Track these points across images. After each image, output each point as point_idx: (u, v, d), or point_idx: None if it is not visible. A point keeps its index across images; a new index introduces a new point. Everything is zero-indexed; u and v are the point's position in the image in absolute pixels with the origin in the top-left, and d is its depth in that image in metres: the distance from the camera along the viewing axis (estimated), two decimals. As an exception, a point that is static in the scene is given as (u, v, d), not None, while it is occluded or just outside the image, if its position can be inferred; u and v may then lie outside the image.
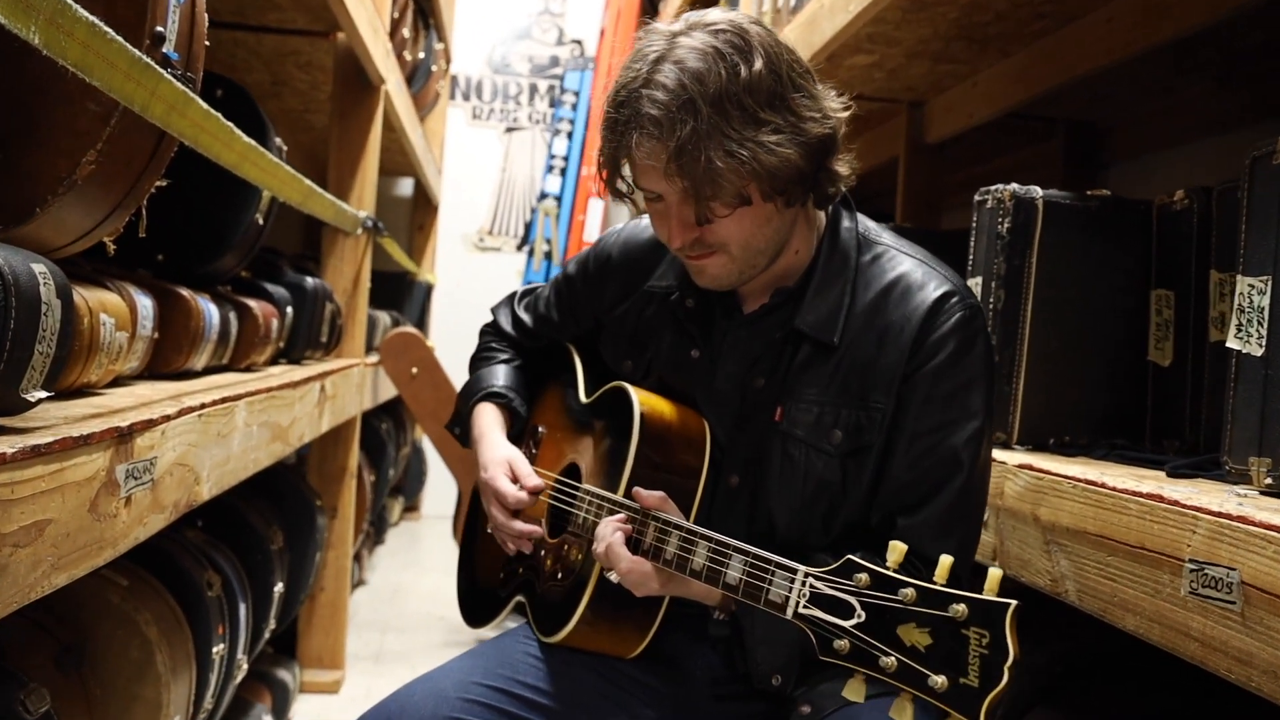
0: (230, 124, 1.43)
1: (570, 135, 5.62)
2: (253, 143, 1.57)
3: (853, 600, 0.90)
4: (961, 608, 0.83)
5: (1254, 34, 2.03)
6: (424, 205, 5.65)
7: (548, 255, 5.53)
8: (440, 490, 5.53)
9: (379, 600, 3.95)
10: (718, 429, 1.35)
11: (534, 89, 5.99)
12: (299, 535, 2.59)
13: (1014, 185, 1.55)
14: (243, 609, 2.02)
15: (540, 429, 1.60)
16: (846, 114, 1.23)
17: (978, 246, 1.60)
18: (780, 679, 1.21)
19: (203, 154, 1.39)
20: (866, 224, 1.35)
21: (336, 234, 2.98)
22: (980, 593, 0.83)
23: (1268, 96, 2.25)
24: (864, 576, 0.90)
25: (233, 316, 1.97)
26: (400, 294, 5.03)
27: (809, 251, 1.33)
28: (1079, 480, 1.28)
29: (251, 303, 2.08)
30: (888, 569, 0.90)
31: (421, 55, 4.23)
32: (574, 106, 5.69)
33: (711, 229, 1.23)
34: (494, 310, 1.73)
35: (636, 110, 1.18)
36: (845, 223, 1.33)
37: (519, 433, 1.64)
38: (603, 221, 5.52)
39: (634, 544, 1.22)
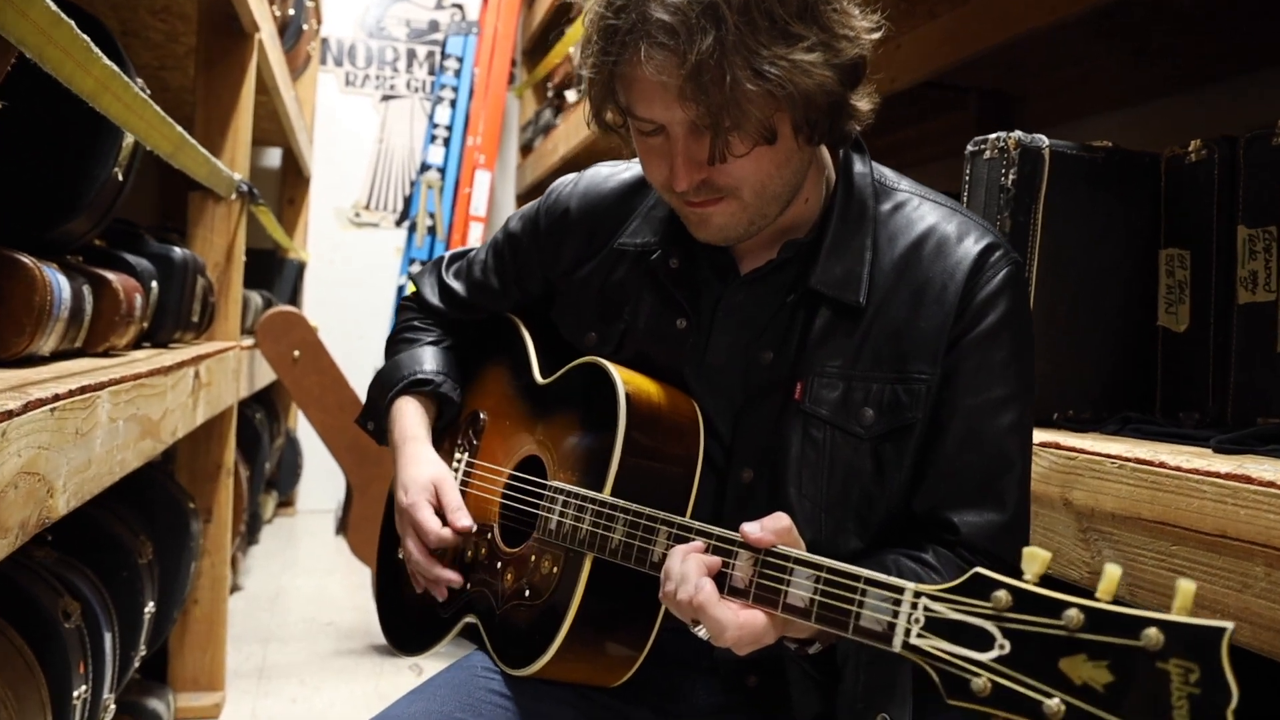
0: (86, 38, 1.12)
1: (454, 103, 5.28)
2: (115, 68, 1.25)
3: (990, 626, 0.70)
4: (1155, 634, 0.63)
5: (1173, 5, 1.95)
6: (294, 177, 5.22)
7: (431, 230, 5.19)
8: (317, 483, 5.14)
9: (258, 608, 3.59)
10: (713, 413, 1.14)
11: (412, 55, 5.61)
12: (171, 545, 2.25)
13: (1017, 132, 1.39)
14: (108, 639, 1.69)
15: (482, 416, 1.35)
16: (877, 35, 1.03)
17: (972, 202, 1.42)
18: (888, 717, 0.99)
19: (50, 74, 1.08)
20: (882, 170, 1.16)
21: (206, 200, 2.62)
22: (1171, 611, 0.64)
23: (1184, 69, 2.18)
24: (1004, 596, 0.70)
25: (86, 291, 1.64)
26: (270, 273, 4.62)
27: (819, 200, 1.13)
28: (1127, 460, 1.12)
29: (109, 275, 1.74)
30: (1028, 583, 0.70)
31: (292, 11, 3.84)
32: (457, 73, 5.35)
33: (723, 169, 1.01)
34: (415, 279, 1.46)
35: (644, 15, 0.94)
36: (859, 167, 1.13)
37: (452, 422, 1.39)
38: (489, 195, 5.22)
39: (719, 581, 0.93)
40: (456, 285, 1.40)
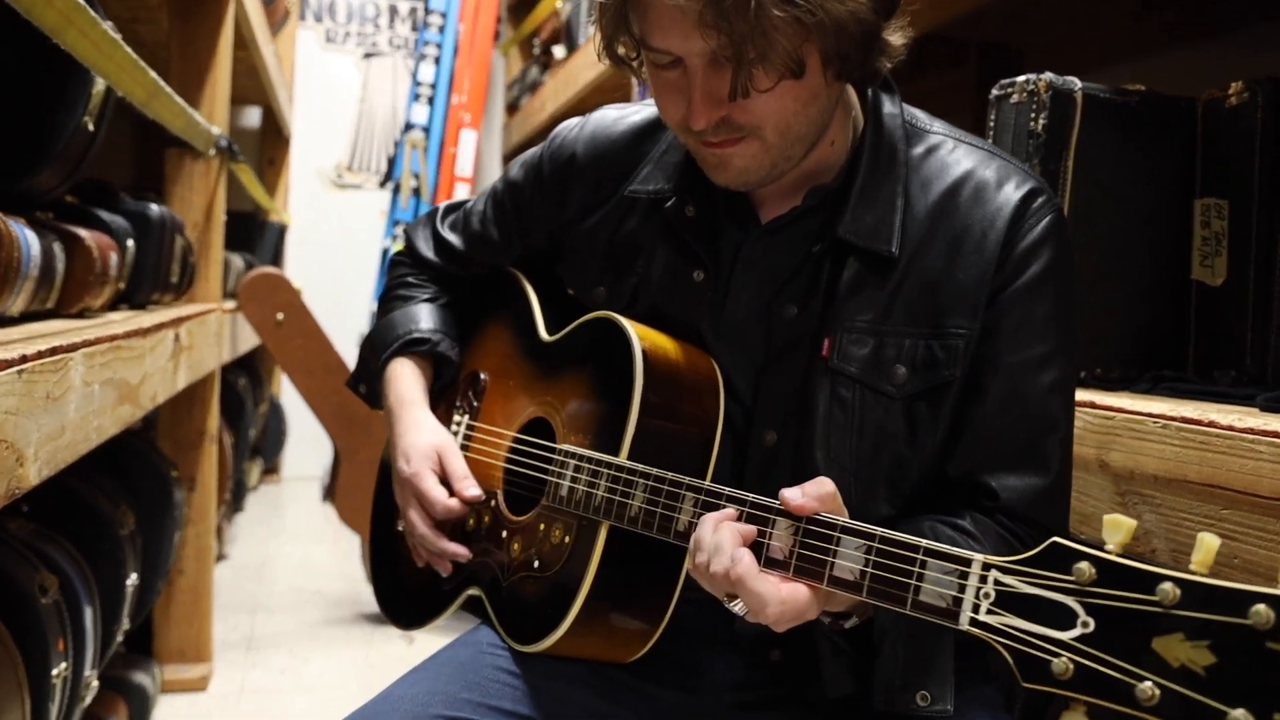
0: (48, -36, 1.03)
1: (438, 60, 5.14)
2: (81, 1, 1.15)
3: (1071, 602, 0.63)
4: (1265, 611, 0.56)
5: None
6: (274, 137, 5.08)
7: (416, 191, 5.06)
8: (303, 449, 5.06)
9: (244, 577, 3.52)
10: (733, 371, 1.06)
11: (394, 11, 5.47)
12: (153, 514, 2.17)
13: (1048, 74, 1.31)
14: (88, 614, 1.62)
15: (483, 376, 1.27)
16: None
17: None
18: (930, 695, 0.92)
19: (10, 6, 0.99)
20: (913, 111, 1.08)
21: (184, 157, 2.51)
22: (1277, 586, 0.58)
23: (1192, 20, 2.10)
24: (1086, 568, 0.63)
25: (57, 248, 1.54)
26: (251, 235, 4.50)
27: (846, 143, 1.05)
28: (1172, 419, 1.05)
29: (82, 232, 1.64)
30: (1110, 554, 0.63)
31: (269, -40, 3.70)
32: (441, 29, 5.20)
33: (745, 106, 0.93)
34: (408, 233, 1.38)
35: None
36: (888, 108, 1.05)
37: (450, 383, 1.31)
38: (475, 155, 5.10)
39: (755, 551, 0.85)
40: (453, 238, 1.32)
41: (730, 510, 0.86)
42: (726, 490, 0.88)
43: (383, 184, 5.36)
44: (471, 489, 1.15)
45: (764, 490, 0.91)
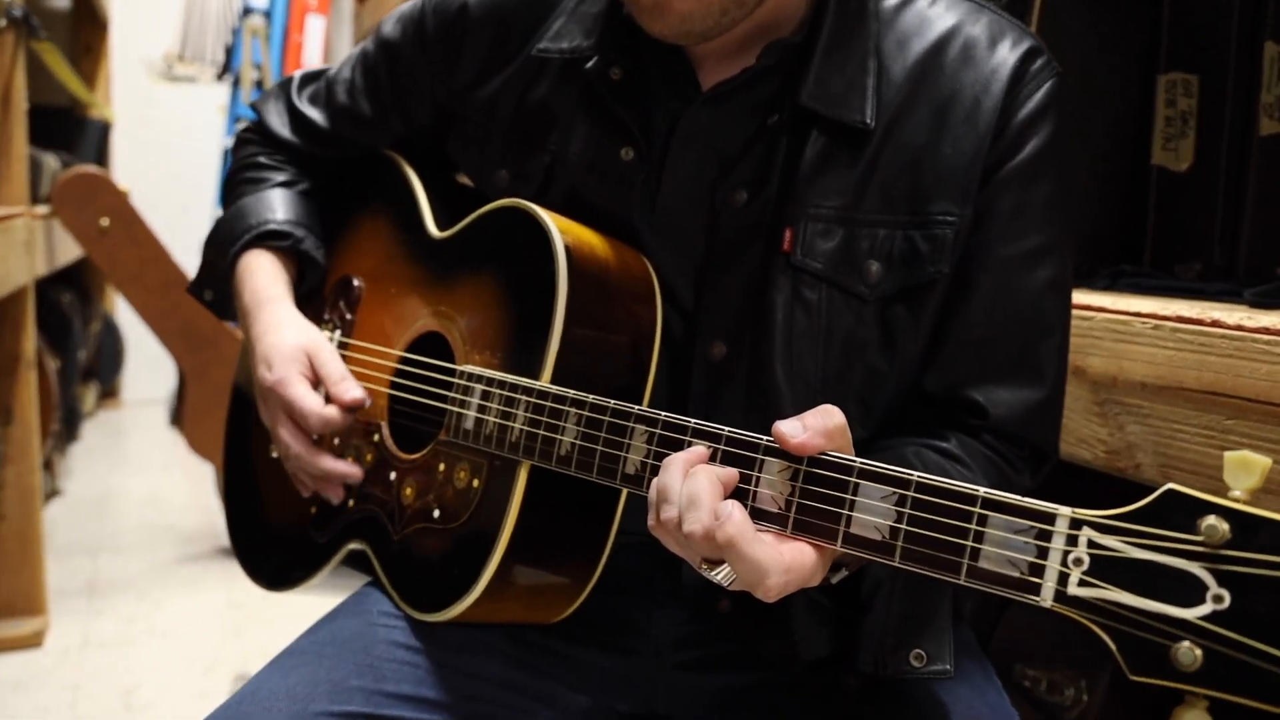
0: None
1: (278, -64, 4.62)
2: None
3: (1198, 570, 0.47)
4: None
5: None
6: (89, 22, 4.49)
7: (259, 84, 4.58)
8: (144, 370, 4.62)
9: (82, 516, 3.17)
10: (670, 271, 0.88)
11: (224, -122, 4.87)
12: (-42, 455, 1.84)
13: (1011, -73, 1.14)
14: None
15: (356, 282, 1.05)
16: None
17: (950, 15, 1.18)
18: (924, 654, 0.78)
19: None
20: None
21: (-32, 29, 2.10)
22: None
23: None
24: (1218, 525, 0.47)
25: None
26: (69, 134, 3.99)
27: None
28: (1166, 319, 0.93)
29: None
30: (1240, 503, 0.48)
31: None
32: (279, -100, 4.66)
33: None
34: (257, 107, 1.12)
35: None
36: None
37: (315, 292, 1.08)
38: (324, 43, 4.65)
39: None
40: (313, 114, 1.07)
41: (700, 449, 0.68)
42: (693, 421, 0.70)
43: (220, 76, 4.83)
44: (352, 390, 0.95)
45: (714, 416, 0.73)
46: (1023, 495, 0.56)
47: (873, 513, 0.58)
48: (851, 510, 0.59)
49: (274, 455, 1.03)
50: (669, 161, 0.87)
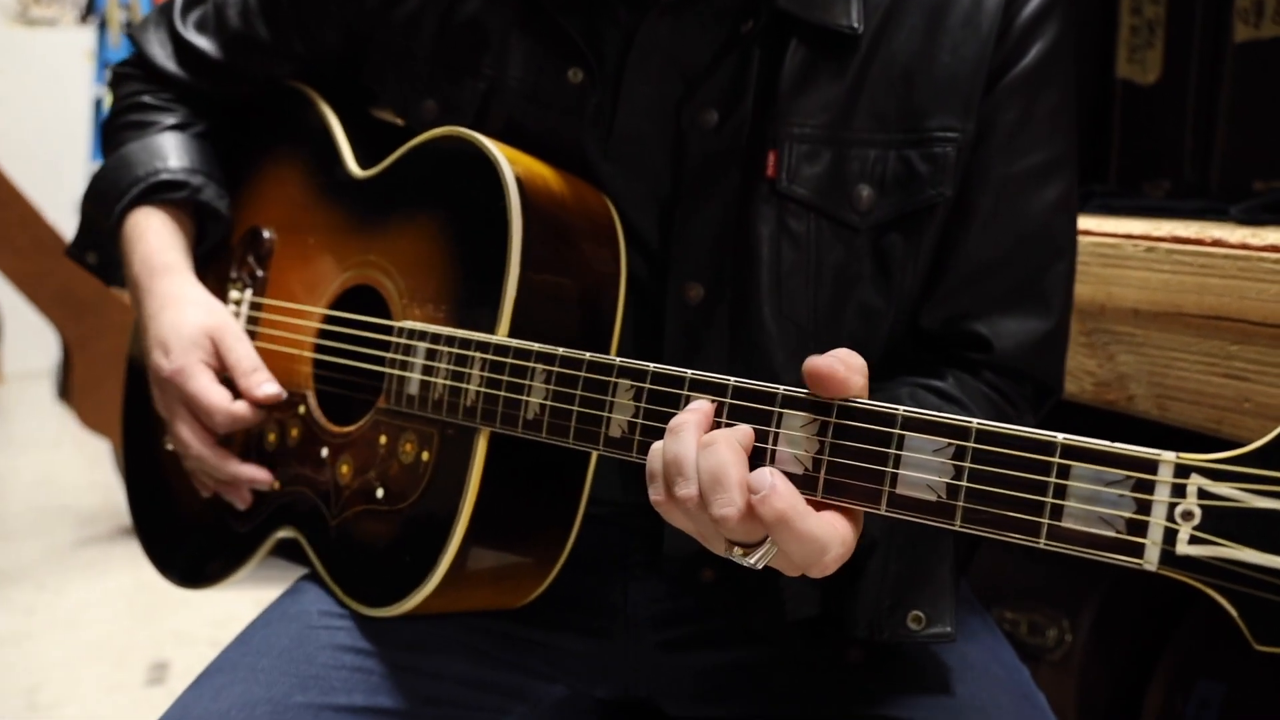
0: None
1: None
2: None
3: None
4: None
5: None
6: (-71, -41, 4.08)
7: (128, 26, 4.25)
8: (25, 341, 4.29)
9: (-35, 501, 2.95)
10: (630, 207, 0.78)
11: None
12: None
13: None
14: None
15: (266, 234, 0.92)
16: None
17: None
18: (924, 616, 0.72)
19: None
20: None
21: None
22: None
23: None
24: None
25: None
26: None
27: None
28: (1160, 240, 0.87)
29: None
30: None
31: None
32: None
33: None
34: (135, 36, 0.98)
35: None
36: None
37: (219, 247, 0.95)
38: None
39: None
40: (201, 41, 0.93)
41: (705, 405, 0.58)
42: (690, 372, 0.60)
43: (84, 18, 4.47)
44: (266, 385, 0.84)
45: (693, 366, 0.63)
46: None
47: (924, 469, 0.50)
48: (897, 467, 0.51)
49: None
50: (625, 82, 0.77)
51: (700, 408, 0.57)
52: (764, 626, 0.78)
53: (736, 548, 0.55)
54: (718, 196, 0.75)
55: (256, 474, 0.84)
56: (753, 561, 0.54)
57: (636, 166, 0.78)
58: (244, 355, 0.84)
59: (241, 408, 0.83)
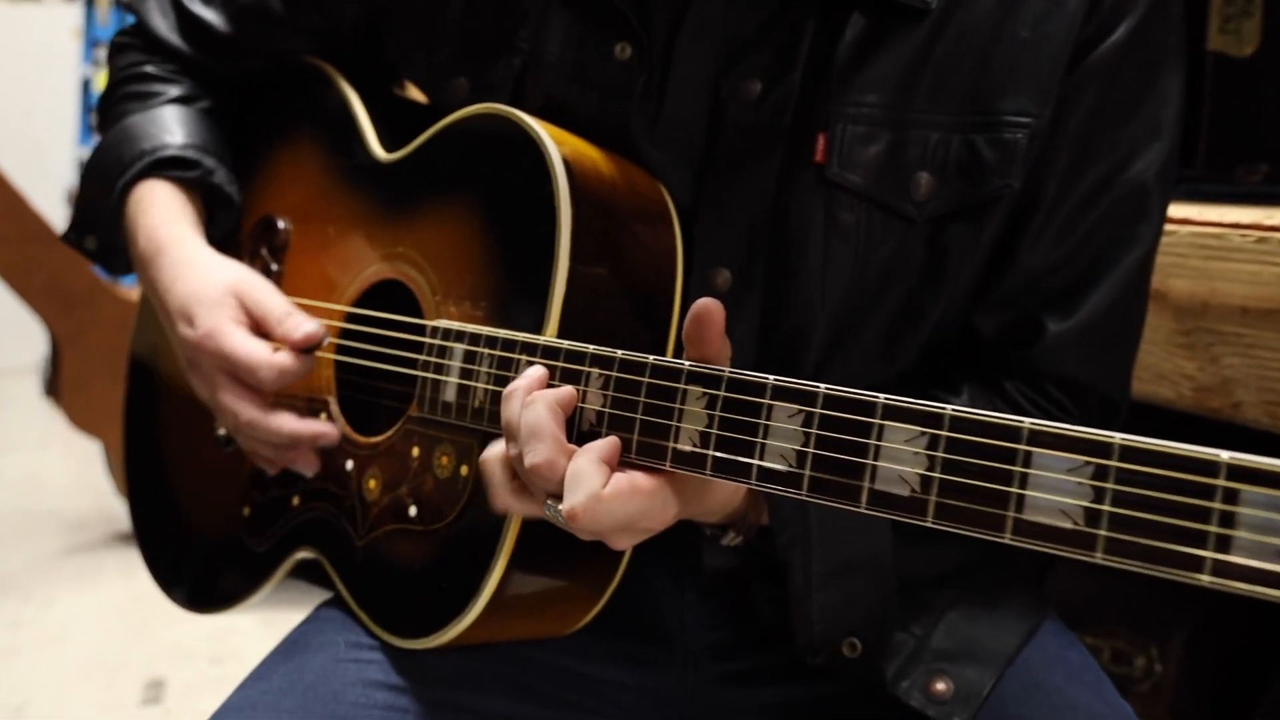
0: None
1: None
2: None
3: None
4: None
5: None
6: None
7: (118, 1, 4.13)
8: (11, 336, 4.20)
9: (-50, 504, 2.86)
10: (677, 185, 0.70)
11: None
12: None
13: None
14: None
15: (281, 223, 0.84)
16: None
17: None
18: (859, 644, 0.67)
19: None
20: None
21: None
22: None
23: None
24: None
25: None
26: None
27: None
28: (1273, 230, 0.80)
29: None
30: None
31: None
32: None
33: None
34: (135, 6, 0.89)
35: None
36: None
37: (228, 238, 0.88)
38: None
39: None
40: (207, 13, 0.85)
41: (538, 370, 0.59)
42: (771, 379, 0.51)
43: (70, -4, 4.36)
44: (304, 325, 0.75)
45: None
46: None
47: (1057, 490, 0.42)
48: (1024, 488, 0.43)
49: (192, 442, 0.83)
50: (675, 60, 0.69)
51: (531, 373, 0.59)
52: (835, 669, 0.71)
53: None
54: (755, 177, 0.68)
55: (320, 428, 0.75)
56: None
57: (683, 151, 0.70)
58: (275, 304, 0.76)
59: (285, 358, 0.74)
